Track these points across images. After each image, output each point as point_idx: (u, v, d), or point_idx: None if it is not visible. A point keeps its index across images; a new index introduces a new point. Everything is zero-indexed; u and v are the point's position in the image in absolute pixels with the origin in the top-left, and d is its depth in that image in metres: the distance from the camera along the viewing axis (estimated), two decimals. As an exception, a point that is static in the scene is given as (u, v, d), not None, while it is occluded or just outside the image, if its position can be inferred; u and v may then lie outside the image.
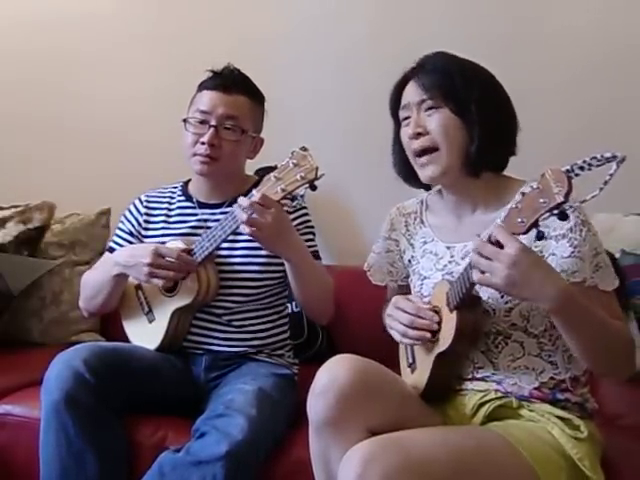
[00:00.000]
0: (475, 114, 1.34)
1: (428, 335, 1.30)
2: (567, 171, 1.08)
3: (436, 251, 1.44)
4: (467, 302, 1.26)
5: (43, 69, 2.59)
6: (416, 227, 1.51)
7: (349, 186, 2.34)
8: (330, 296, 1.71)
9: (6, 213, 2.31)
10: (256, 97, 1.76)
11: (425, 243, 1.48)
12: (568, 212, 1.08)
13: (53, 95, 2.59)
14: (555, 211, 1.07)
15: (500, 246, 1.13)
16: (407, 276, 1.54)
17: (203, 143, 1.68)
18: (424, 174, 1.38)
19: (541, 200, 1.07)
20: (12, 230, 2.27)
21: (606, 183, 1.07)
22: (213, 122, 1.68)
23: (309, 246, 1.71)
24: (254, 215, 1.47)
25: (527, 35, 2.20)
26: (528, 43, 2.12)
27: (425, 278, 1.44)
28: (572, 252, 1.26)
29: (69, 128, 2.58)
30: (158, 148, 2.43)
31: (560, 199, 1.05)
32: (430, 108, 1.36)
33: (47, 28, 2.59)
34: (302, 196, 1.49)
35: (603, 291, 1.28)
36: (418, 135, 1.36)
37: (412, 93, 1.39)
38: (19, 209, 2.32)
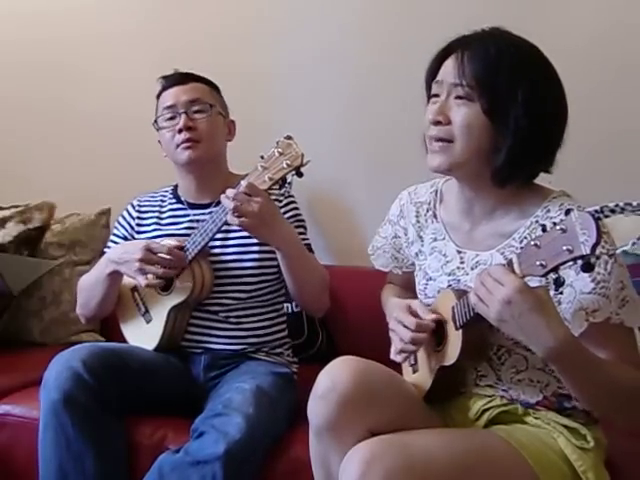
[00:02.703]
0: (512, 119, 1.19)
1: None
2: (595, 212, 1.00)
3: (446, 252, 1.37)
4: (474, 321, 1.21)
5: (44, 70, 2.59)
6: (427, 220, 1.43)
7: (349, 185, 2.34)
8: (324, 287, 1.71)
9: (6, 213, 2.31)
10: (211, 84, 1.84)
11: (435, 240, 1.40)
12: (593, 262, 1.00)
13: (53, 95, 2.59)
14: (579, 261, 1.00)
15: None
16: (412, 264, 1.49)
17: (180, 130, 1.73)
18: (431, 161, 1.27)
19: (564, 247, 1.00)
20: (12, 230, 2.27)
21: None
22: (181, 110, 1.75)
23: (301, 239, 1.72)
24: (241, 203, 1.49)
25: (526, 31, 2.19)
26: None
27: (431, 279, 1.39)
28: (594, 288, 1.15)
29: (69, 128, 2.58)
30: (158, 148, 2.41)
31: (586, 251, 0.97)
32: (461, 97, 1.22)
33: (47, 29, 2.58)
34: (289, 183, 1.51)
35: (628, 328, 1.18)
36: (437, 123, 1.24)
37: (449, 71, 1.24)
38: (19, 209, 2.33)
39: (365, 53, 2.32)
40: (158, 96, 1.82)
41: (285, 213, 1.75)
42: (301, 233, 1.77)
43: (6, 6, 2.63)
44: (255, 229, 1.54)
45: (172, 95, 1.77)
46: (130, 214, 1.87)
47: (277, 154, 1.48)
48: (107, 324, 2.24)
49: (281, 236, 1.58)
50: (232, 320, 1.74)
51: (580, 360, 1.10)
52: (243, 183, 1.51)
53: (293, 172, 1.47)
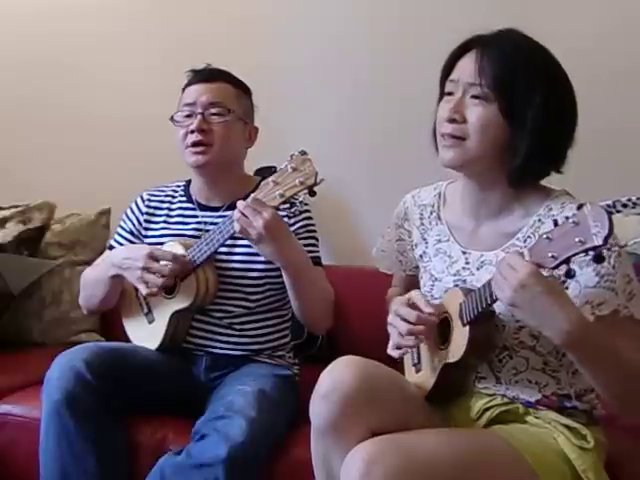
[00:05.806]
0: (530, 120, 1.22)
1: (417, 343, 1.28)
2: (608, 206, 1.02)
3: (450, 253, 1.38)
4: (481, 317, 1.22)
5: (44, 70, 2.59)
6: (431, 222, 1.43)
7: (348, 186, 2.34)
8: (329, 308, 1.67)
9: (6, 213, 2.31)
10: (240, 86, 1.77)
11: (439, 242, 1.41)
12: (605, 254, 1.01)
13: (53, 96, 2.59)
14: (591, 253, 1.01)
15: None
16: (416, 267, 1.50)
17: (193, 131, 1.67)
18: (444, 155, 1.29)
19: (577, 239, 1.01)
20: (12, 230, 2.27)
21: None
22: (199, 110, 1.69)
23: (310, 251, 1.69)
24: (247, 217, 1.46)
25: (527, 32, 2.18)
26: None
27: (436, 280, 1.40)
28: (598, 282, 1.17)
29: (69, 128, 2.58)
30: (158, 148, 2.41)
31: (599, 242, 0.99)
32: (478, 97, 1.24)
33: (46, 29, 2.58)
34: (301, 202, 1.46)
35: (638, 321, 1.19)
36: (452, 121, 1.25)
37: (466, 70, 1.25)
38: (19, 209, 2.32)
39: (365, 53, 2.32)
40: (184, 89, 1.76)
41: (296, 223, 1.70)
42: (311, 245, 1.72)
43: (6, 6, 2.63)
44: (259, 245, 1.50)
45: (194, 92, 1.71)
46: (139, 208, 1.83)
47: (290, 170, 1.41)
48: (107, 324, 2.25)
49: (285, 255, 1.52)
50: (235, 327, 1.72)
51: (595, 344, 1.10)
52: (252, 197, 1.47)
53: (306, 191, 1.42)
